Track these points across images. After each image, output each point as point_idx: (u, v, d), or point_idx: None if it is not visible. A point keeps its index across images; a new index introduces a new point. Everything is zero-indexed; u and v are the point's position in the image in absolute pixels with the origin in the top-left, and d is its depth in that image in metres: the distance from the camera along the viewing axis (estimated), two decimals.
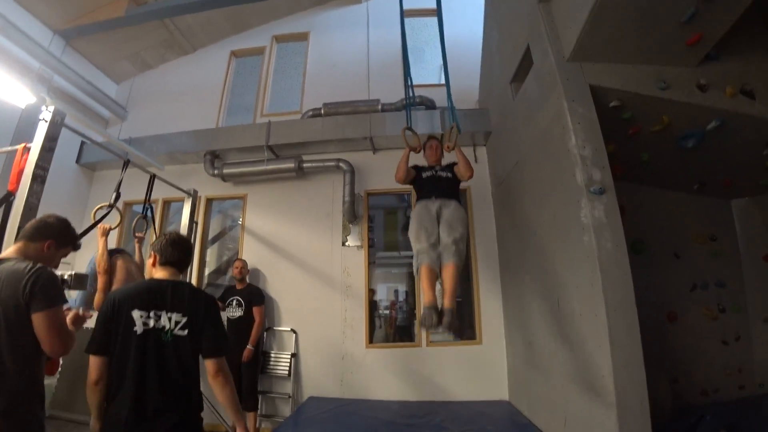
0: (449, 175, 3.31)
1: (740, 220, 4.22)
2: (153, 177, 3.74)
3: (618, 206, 2.56)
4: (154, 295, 1.75)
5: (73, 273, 2.73)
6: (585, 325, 2.59)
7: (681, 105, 2.98)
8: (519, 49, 3.65)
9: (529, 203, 3.58)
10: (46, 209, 4.45)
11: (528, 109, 3.52)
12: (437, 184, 3.24)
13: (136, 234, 3.62)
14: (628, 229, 2.57)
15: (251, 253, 4.81)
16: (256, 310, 4.19)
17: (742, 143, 3.23)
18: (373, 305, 4.90)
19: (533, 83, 3.41)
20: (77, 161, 5.35)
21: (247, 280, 4.41)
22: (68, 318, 1.81)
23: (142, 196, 3.65)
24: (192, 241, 4.50)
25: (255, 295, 4.29)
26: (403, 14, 3.87)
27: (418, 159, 3.57)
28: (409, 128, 3.53)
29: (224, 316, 4.17)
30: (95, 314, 1.81)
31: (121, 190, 3.27)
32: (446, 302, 2.64)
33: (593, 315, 2.47)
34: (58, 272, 2.63)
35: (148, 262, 1.95)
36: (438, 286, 2.85)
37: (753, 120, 2.95)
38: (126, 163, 3.52)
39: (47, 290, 1.62)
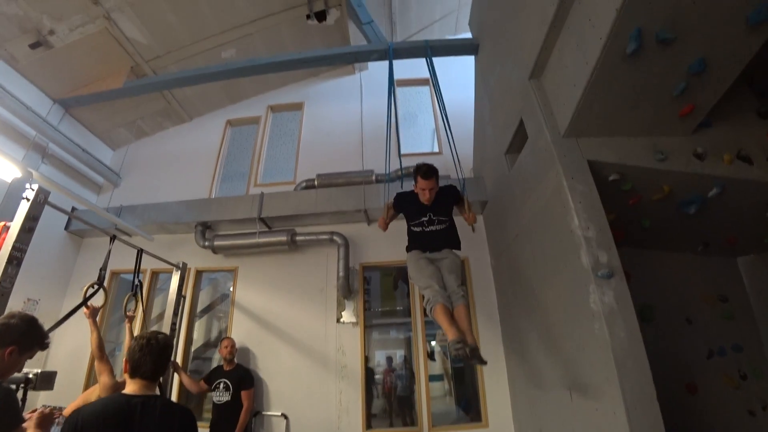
0: (443, 227, 3.09)
1: (748, 277, 4.11)
2: (140, 252, 3.62)
3: (628, 291, 2.43)
4: (121, 419, 1.56)
5: (39, 372, 2.54)
6: (603, 421, 2.39)
7: (680, 174, 2.98)
8: (512, 122, 3.65)
9: (534, 280, 3.43)
10: (31, 275, 4.36)
11: (525, 182, 3.47)
12: (430, 239, 3.08)
13: (128, 313, 3.48)
14: (634, 295, 2.45)
15: (241, 330, 4.59)
16: (244, 394, 3.91)
17: (744, 205, 3.24)
18: (369, 374, 4.60)
19: (529, 157, 3.38)
20: (66, 228, 5.22)
21: (236, 360, 4.17)
22: (32, 420, 1.67)
23: (130, 265, 3.55)
24: (179, 314, 4.30)
25: (244, 378, 4.01)
26: (394, 91, 4.06)
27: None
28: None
29: (210, 399, 3.92)
30: None
31: (108, 260, 3.18)
32: (469, 339, 2.63)
33: (611, 413, 2.28)
34: (24, 370, 2.44)
35: (123, 362, 1.79)
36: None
37: (753, 184, 2.98)
38: (112, 239, 3.43)
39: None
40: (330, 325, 4.51)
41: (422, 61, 5.61)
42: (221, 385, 3.94)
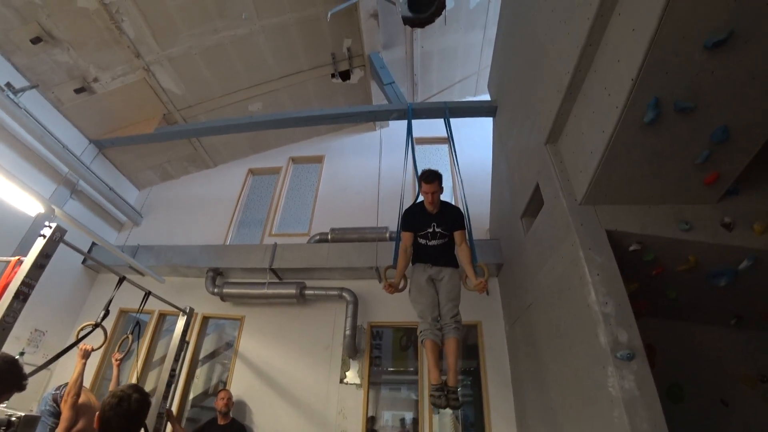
0: (444, 241, 3.20)
1: None
2: (148, 294, 3.60)
3: (651, 375, 2.20)
4: None
5: (22, 416, 2.45)
6: None
7: (706, 246, 2.79)
8: (528, 185, 3.59)
9: (548, 355, 3.21)
10: (46, 304, 4.40)
11: (540, 249, 3.35)
12: (433, 253, 3.19)
13: (116, 357, 3.39)
14: (661, 372, 2.25)
15: (241, 382, 4.43)
16: None
17: None
18: None
19: (545, 223, 3.27)
20: (83, 262, 5.30)
21: (231, 414, 4.00)
22: None
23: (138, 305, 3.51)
24: (180, 360, 4.20)
25: None
26: (413, 149, 4.25)
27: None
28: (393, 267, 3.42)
29: None
30: None
31: (118, 297, 3.14)
32: (451, 380, 2.79)
33: None
34: (4, 413, 2.35)
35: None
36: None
37: None
38: (121, 280, 3.40)
39: None
40: (333, 384, 4.31)
41: (442, 120, 5.79)
42: None
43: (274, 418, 4.21)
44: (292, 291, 4.61)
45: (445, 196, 6.27)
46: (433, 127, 5.67)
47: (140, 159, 5.96)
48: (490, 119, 5.05)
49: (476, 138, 5.76)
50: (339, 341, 4.51)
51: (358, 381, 4.30)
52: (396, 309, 4.63)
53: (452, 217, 3.23)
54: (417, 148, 6.43)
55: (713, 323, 3.76)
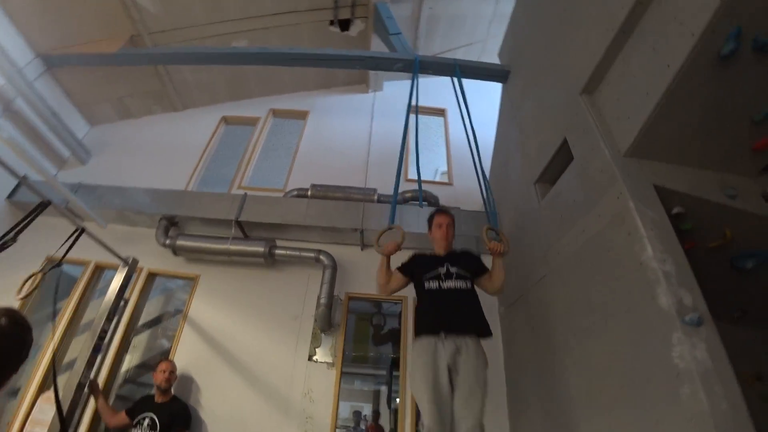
0: (467, 284, 2.36)
1: None
2: (81, 231, 2.89)
3: (724, 348, 1.80)
4: None
5: None
6: None
7: (749, 217, 2.50)
8: (549, 146, 3.25)
9: (567, 336, 2.74)
10: None
11: (564, 213, 2.96)
12: (449, 304, 2.28)
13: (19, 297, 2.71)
14: None
15: (187, 353, 3.67)
16: None
17: None
18: None
19: (573, 182, 2.90)
20: (9, 196, 4.43)
21: (173, 391, 3.26)
22: None
23: (74, 255, 2.85)
24: (114, 321, 3.44)
25: (178, 416, 3.11)
26: (417, 107, 3.84)
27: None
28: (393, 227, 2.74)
29: None
30: None
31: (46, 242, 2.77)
32: None
33: None
34: None
35: None
36: None
37: None
38: (42, 206, 2.67)
39: None
40: (300, 362, 3.63)
41: (438, 90, 5.31)
42: (146, 421, 3.01)
43: (225, 398, 3.48)
44: (260, 249, 3.91)
45: (432, 171, 5.87)
46: (429, 96, 5.20)
47: (97, 87, 5.09)
48: (484, 95, 4.77)
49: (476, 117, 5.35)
50: (310, 312, 3.85)
51: (330, 359, 3.65)
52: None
53: (470, 258, 2.56)
54: (410, 117, 5.96)
55: (715, 316, 3.47)
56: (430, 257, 2.52)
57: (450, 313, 2.24)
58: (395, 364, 4.98)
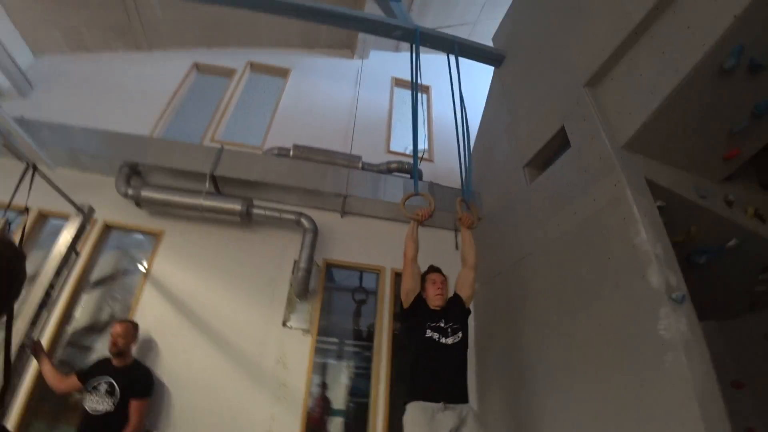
0: (459, 340, 2.35)
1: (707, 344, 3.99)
2: (33, 169, 2.51)
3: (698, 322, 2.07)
4: None
5: None
6: None
7: (712, 217, 2.87)
8: (544, 132, 3.37)
9: (554, 308, 2.87)
10: None
11: (555, 196, 3.09)
12: (447, 368, 2.25)
13: None
14: None
15: (150, 314, 3.36)
16: (135, 405, 2.71)
17: (744, 265, 3.28)
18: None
19: (568, 167, 3.03)
20: None
21: (133, 354, 2.98)
22: None
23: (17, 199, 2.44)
24: (63, 276, 3.06)
25: (139, 381, 2.83)
26: (420, 77, 3.68)
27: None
28: (418, 193, 2.81)
29: (81, 404, 2.68)
30: None
31: None
32: None
33: None
34: None
35: None
36: None
37: (762, 242, 3.03)
38: None
39: None
40: (273, 328, 3.49)
41: (424, 67, 5.21)
42: (102, 387, 2.71)
43: (191, 363, 3.25)
44: (237, 207, 3.65)
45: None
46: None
47: (46, 12, 4.43)
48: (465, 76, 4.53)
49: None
50: (286, 276, 3.70)
51: (305, 326, 3.53)
52: (357, 250, 4.02)
53: (460, 306, 2.55)
54: (395, 90, 5.85)
55: None
56: (430, 307, 2.50)
57: (452, 381, 2.23)
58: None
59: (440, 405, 2.09)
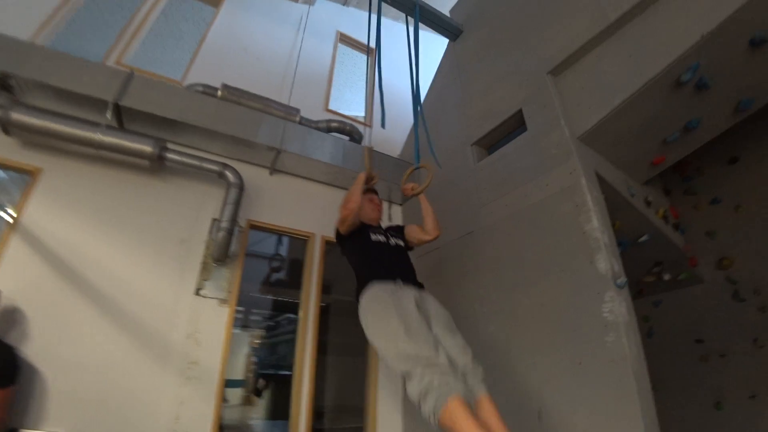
0: (402, 243, 2.52)
1: None
2: None
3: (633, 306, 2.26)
4: None
5: None
6: None
7: (636, 214, 3.16)
8: (500, 113, 3.35)
9: (494, 286, 2.91)
10: None
11: (505, 177, 3.10)
12: (396, 259, 2.33)
13: None
14: None
15: (15, 278, 2.57)
16: None
17: (642, 258, 3.76)
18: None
19: (522, 150, 3.04)
20: None
21: None
22: None
23: None
24: None
25: None
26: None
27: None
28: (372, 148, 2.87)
29: None
30: None
31: None
32: None
33: None
34: None
35: None
36: None
37: (664, 240, 3.54)
38: None
39: None
40: (184, 296, 2.97)
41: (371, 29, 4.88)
42: None
43: (75, 341, 2.59)
44: (147, 148, 2.98)
45: (361, 104, 5.47)
46: (362, 31, 4.74)
47: None
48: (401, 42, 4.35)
49: (397, 59, 5.04)
50: (202, 237, 3.19)
51: (222, 295, 3.09)
52: (284, 214, 3.67)
53: (399, 231, 2.64)
54: (339, 46, 5.40)
55: None
56: (369, 225, 2.54)
57: (402, 268, 2.27)
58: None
59: (398, 282, 2.10)
